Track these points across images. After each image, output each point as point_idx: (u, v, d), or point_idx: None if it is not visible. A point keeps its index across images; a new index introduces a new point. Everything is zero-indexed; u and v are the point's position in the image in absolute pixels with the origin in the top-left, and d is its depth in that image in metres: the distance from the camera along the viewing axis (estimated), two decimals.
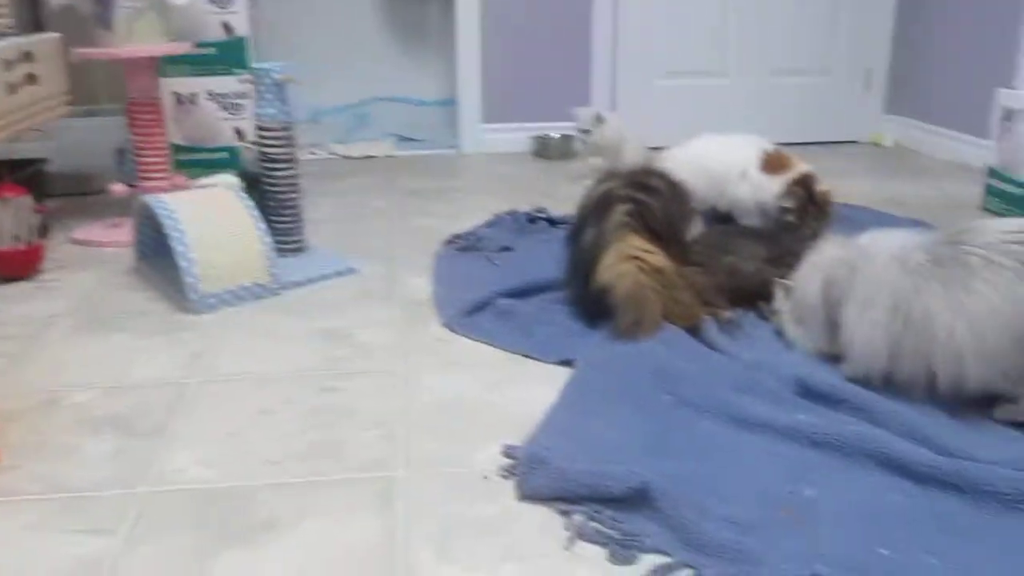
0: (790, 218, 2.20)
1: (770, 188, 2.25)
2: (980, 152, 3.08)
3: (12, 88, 2.24)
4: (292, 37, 4.15)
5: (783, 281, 1.72)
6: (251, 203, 2.12)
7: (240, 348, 1.79)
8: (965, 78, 3.42)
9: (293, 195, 2.28)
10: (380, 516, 1.24)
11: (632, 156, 2.93)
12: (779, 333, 1.75)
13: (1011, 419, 1.45)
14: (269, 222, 2.20)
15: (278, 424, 1.49)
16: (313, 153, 3.64)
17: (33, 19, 3.42)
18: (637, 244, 1.75)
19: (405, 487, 1.31)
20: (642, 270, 1.72)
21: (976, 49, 3.36)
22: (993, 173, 2.75)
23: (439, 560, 1.15)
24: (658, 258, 1.75)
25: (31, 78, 2.34)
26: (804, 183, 2.22)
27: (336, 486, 1.32)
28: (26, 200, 2.22)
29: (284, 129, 2.21)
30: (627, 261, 1.73)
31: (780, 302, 1.72)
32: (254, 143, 2.28)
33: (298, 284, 2.13)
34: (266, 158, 2.23)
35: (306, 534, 1.20)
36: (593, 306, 1.77)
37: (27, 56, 2.33)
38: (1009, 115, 2.67)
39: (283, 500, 1.28)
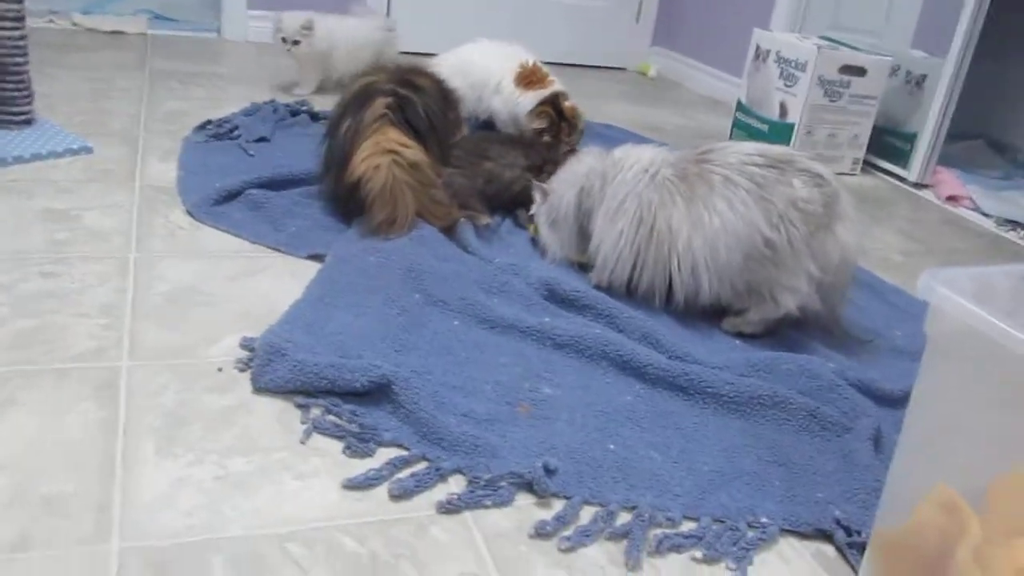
0: (546, 138, 2.21)
1: (521, 102, 2.25)
2: (733, 89, 3.25)
3: None
4: None
5: (540, 184, 1.73)
6: None
7: None
8: (726, 18, 3.59)
9: (19, 59, 2.01)
10: (99, 408, 1.14)
11: (348, 64, 2.70)
12: (533, 241, 1.77)
13: (736, 330, 1.56)
14: None
15: None
16: (52, 22, 3.26)
17: None
18: (394, 137, 1.69)
19: (128, 378, 1.21)
20: (398, 164, 1.67)
21: None
22: (740, 107, 2.92)
23: (162, 454, 1.07)
24: (415, 153, 1.70)
25: None
26: (553, 102, 2.23)
27: (49, 376, 1.19)
28: None
29: None
30: (383, 154, 1.67)
31: (536, 205, 1.73)
32: None
33: (20, 160, 1.90)
34: None
35: (10, 425, 1.08)
36: (346, 199, 1.70)
37: None
38: (761, 54, 2.83)
39: None
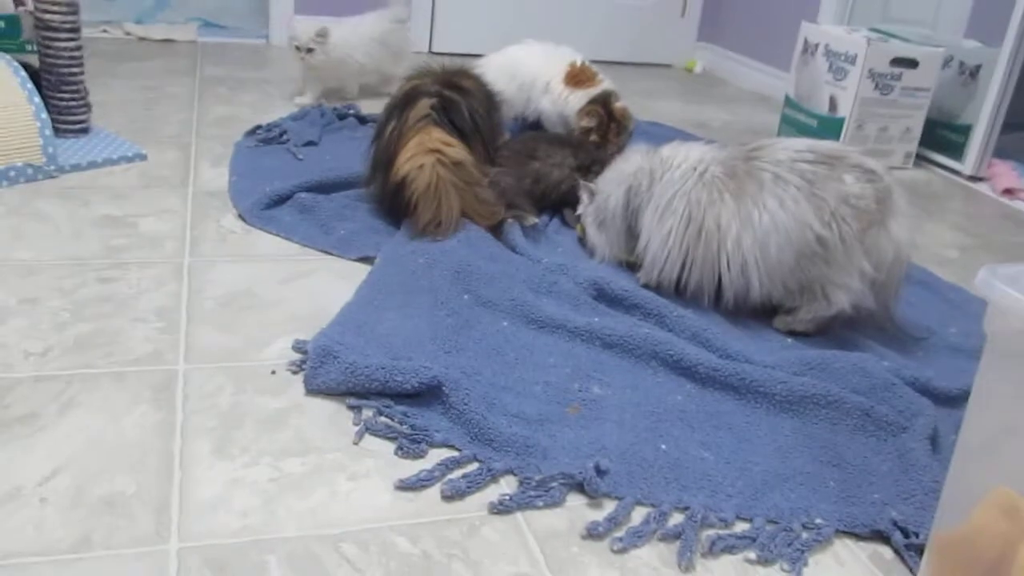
0: (593, 137, 2.20)
1: (571, 101, 2.24)
2: (781, 84, 3.21)
3: None
4: None
5: (588, 184, 1.73)
6: (24, 74, 1.91)
7: (5, 233, 1.62)
8: (772, 12, 3.55)
9: (75, 70, 2.06)
10: (156, 410, 1.16)
11: (370, 64, 2.75)
12: (581, 240, 1.77)
13: (788, 329, 1.54)
14: (46, 98, 2.00)
15: (44, 314, 1.36)
16: (106, 32, 3.34)
17: None
18: (438, 137, 1.70)
19: (185, 381, 1.23)
20: (442, 163, 1.68)
21: None
22: (788, 103, 2.89)
23: (218, 455, 1.09)
24: (459, 151, 1.70)
25: None
26: (603, 102, 2.22)
27: (108, 379, 1.22)
28: None
29: None
30: (427, 154, 1.68)
31: (584, 206, 1.73)
32: (33, 9, 2.05)
33: (78, 168, 1.94)
34: (44, 26, 2.00)
35: (71, 428, 1.11)
36: (392, 200, 1.72)
37: None
38: (809, 48, 2.79)
39: (45, 393, 1.17)
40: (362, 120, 2.42)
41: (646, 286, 1.60)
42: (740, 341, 1.47)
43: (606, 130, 2.21)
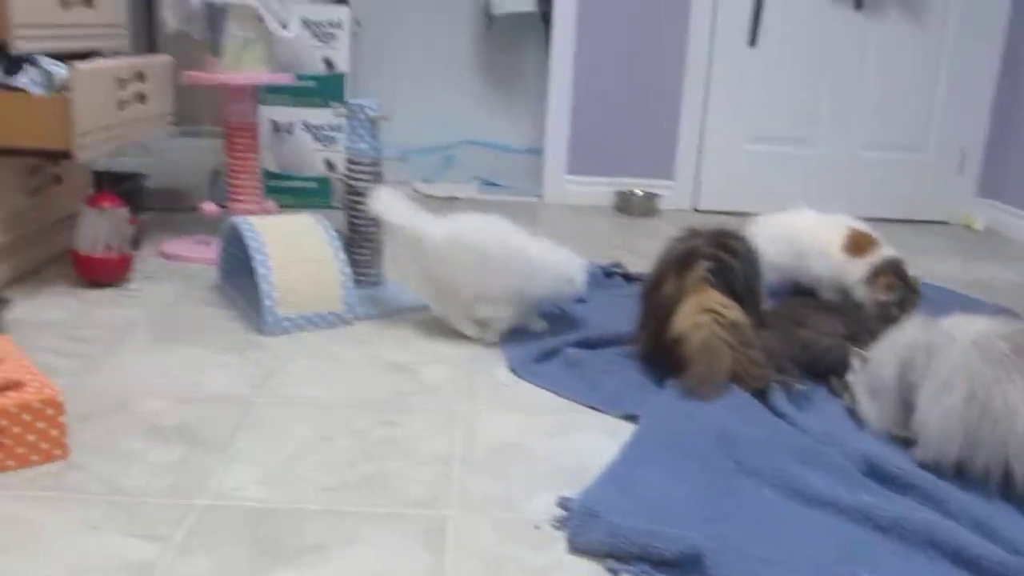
0: (894, 312, 2.08)
1: (850, 269, 2.20)
2: None
3: (122, 104, 2.34)
4: (388, 75, 4.28)
5: (860, 352, 1.68)
6: (333, 233, 2.17)
7: (308, 373, 1.82)
8: None
9: (374, 229, 2.32)
10: (428, 552, 1.24)
11: None
12: (851, 411, 1.71)
13: None
14: (349, 253, 2.25)
15: (336, 452, 1.51)
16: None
17: (148, 42, 3.60)
18: (716, 298, 1.76)
19: (455, 526, 1.31)
20: (719, 323, 1.73)
21: None
22: None
23: None
24: (736, 314, 1.75)
25: (140, 97, 2.45)
26: (895, 271, 2.15)
27: (387, 518, 1.32)
28: (123, 211, 2.31)
29: (372, 164, 2.27)
30: (704, 313, 1.74)
31: (855, 374, 1.68)
32: (343, 175, 2.33)
33: (370, 316, 2.16)
34: (353, 191, 2.28)
35: (353, 561, 1.21)
36: (664, 357, 1.77)
37: (139, 76, 2.44)
38: None
39: (333, 526, 1.29)
40: (628, 278, 2.50)
41: (923, 465, 1.50)
42: None
43: (906, 302, 2.12)
